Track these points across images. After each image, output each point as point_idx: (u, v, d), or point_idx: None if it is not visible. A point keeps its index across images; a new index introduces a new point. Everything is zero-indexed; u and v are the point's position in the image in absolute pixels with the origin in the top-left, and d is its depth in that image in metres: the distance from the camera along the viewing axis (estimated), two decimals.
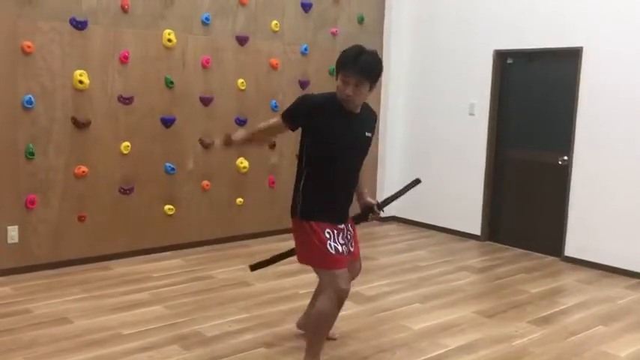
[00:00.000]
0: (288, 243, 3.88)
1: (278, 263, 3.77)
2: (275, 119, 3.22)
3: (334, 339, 3.65)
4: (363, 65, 2.95)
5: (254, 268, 3.81)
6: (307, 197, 3.10)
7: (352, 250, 3.28)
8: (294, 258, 3.31)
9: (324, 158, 3.07)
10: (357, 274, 3.47)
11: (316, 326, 3.16)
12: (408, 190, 3.62)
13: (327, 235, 3.06)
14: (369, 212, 3.37)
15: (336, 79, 3.02)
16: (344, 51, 3.06)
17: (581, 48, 5.43)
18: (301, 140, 3.15)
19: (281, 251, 3.68)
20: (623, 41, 5.18)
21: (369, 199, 3.39)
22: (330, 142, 3.04)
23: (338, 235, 3.12)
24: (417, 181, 3.62)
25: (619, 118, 5.23)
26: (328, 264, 3.07)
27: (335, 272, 3.06)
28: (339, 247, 3.10)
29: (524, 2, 5.85)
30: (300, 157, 3.16)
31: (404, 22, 6.85)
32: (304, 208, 3.09)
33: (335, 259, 3.07)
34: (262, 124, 3.35)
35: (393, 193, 3.63)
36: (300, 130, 3.15)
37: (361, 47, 3.04)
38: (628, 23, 5.15)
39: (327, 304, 3.07)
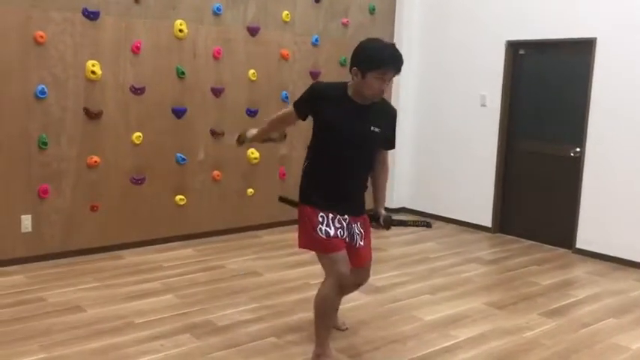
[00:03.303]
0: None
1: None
2: (287, 109, 3.29)
3: (343, 329, 3.66)
4: (401, 61, 2.93)
5: (282, 199, 3.81)
6: (307, 182, 3.15)
7: (362, 243, 3.19)
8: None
9: (325, 146, 3.08)
10: (362, 282, 3.39)
11: (317, 310, 3.12)
12: (416, 225, 3.45)
13: (320, 219, 3.03)
14: (374, 221, 3.24)
15: (363, 76, 2.90)
16: (375, 47, 2.95)
17: (595, 39, 5.38)
18: (312, 128, 3.17)
19: None
20: (638, 32, 5.13)
21: (380, 209, 3.24)
22: (332, 130, 3.03)
23: (334, 220, 3.05)
24: (427, 225, 3.41)
25: (633, 111, 5.19)
26: (322, 248, 3.06)
27: (331, 256, 3.03)
28: (331, 231, 3.03)
29: None
30: (309, 144, 3.21)
31: (415, 12, 6.81)
32: (304, 192, 3.16)
33: (328, 242, 3.02)
34: (274, 115, 3.39)
35: (403, 219, 3.54)
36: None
37: (386, 42, 3.03)
38: None
39: (326, 289, 3.06)
